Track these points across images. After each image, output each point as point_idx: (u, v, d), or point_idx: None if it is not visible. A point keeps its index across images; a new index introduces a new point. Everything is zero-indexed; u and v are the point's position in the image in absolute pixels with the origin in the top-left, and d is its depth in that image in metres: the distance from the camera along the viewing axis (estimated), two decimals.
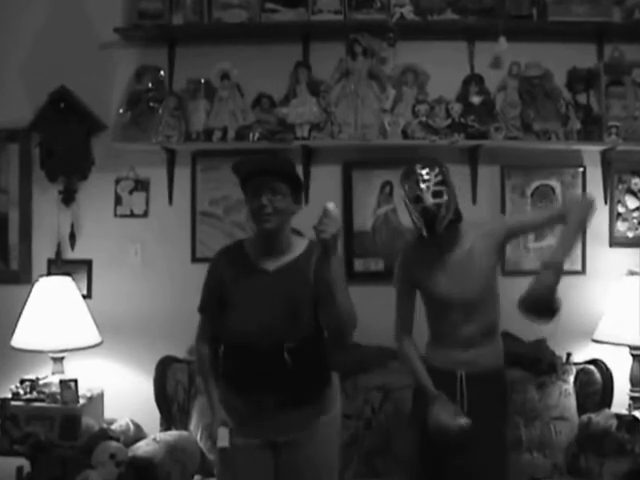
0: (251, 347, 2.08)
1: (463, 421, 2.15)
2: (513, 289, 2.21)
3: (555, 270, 2.15)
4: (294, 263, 2.15)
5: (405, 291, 2.38)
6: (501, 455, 2.31)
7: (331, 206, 1.95)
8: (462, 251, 2.28)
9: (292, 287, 2.11)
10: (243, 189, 2.17)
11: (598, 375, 2.98)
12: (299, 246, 2.18)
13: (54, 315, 2.95)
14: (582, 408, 2.93)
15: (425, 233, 2.22)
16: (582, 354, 3.08)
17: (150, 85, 3.17)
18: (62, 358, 3.01)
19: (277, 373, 2.06)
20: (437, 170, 2.21)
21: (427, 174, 2.19)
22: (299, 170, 2.61)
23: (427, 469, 2.31)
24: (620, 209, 3.20)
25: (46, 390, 2.91)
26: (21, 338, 2.96)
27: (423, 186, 2.18)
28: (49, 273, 3.19)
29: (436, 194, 2.18)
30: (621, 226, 3.19)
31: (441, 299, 2.29)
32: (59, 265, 3.22)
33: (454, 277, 2.26)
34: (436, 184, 2.19)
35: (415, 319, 2.40)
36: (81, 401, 2.89)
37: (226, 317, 2.14)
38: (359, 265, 3.18)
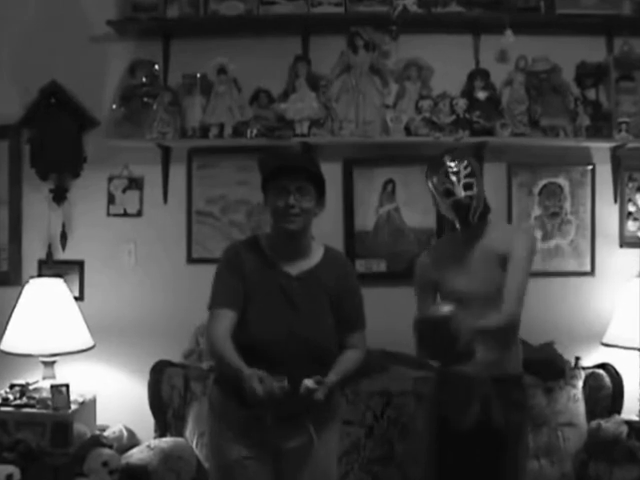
0: (275, 354, 2.00)
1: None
2: None
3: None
4: (315, 270, 2.12)
5: (424, 298, 2.34)
6: None
7: (309, 383, 1.93)
8: (487, 243, 2.26)
9: (316, 295, 2.09)
10: (264, 186, 2.10)
11: (608, 380, 2.93)
12: (317, 251, 2.16)
13: (45, 318, 2.91)
14: (591, 414, 2.88)
15: (458, 226, 2.21)
16: (591, 358, 3.05)
17: (144, 80, 3.14)
18: (53, 362, 2.97)
19: (296, 383, 1.95)
20: (466, 162, 2.21)
21: (456, 166, 2.20)
22: None
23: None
24: (630, 208, 3.16)
25: (36, 395, 2.87)
26: (11, 342, 2.92)
27: (454, 179, 2.19)
28: (40, 274, 3.16)
29: (467, 186, 2.19)
30: (631, 226, 3.15)
31: (461, 295, 2.22)
32: (50, 266, 3.18)
33: (476, 271, 2.23)
34: (466, 176, 2.20)
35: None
36: (73, 407, 2.85)
37: (248, 319, 2.05)
38: (360, 266, 3.12)
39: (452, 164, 2.19)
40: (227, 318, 2.05)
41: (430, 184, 2.26)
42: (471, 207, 2.18)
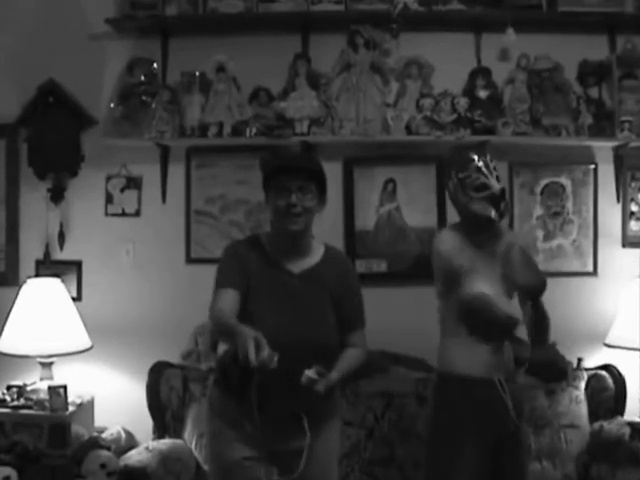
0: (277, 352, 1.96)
1: None
2: None
3: None
4: (316, 268, 2.12)
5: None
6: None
7: (310, 374, 1.94)
8: (504, 245, 2.26)
9: (318, 293, 2.09)
10: (265, 185, 2.10)
11: (610, 381, 2.92)
12: (317, 250, 2.16)
13: (42, 318, 2.90)
14: (594, 415, 2.87)
15: (494, 216, 2.21)
16: (594, 359, 3.04)
17: (143, 78, 3.12)
18: (51, 363, 2.95)
19: (298, 381, 1.94)
20: (489, 156, 2.25)
21: (484, 160, 2.23)
22: None
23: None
24: (633, 208, 3.14)
25: (34, 397, 2.85)
26: (8, 342, 2.90)
27: (486, 171, 2.21)
28: (37, 274, 3.15)
29: (497, 179, 2.23)
30: (634, 225, 3.14)
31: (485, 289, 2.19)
32: (47, 266, 3.17)
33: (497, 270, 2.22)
34: (494, 169, 2.24)
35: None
36: (70, 408, 2.83)
37: (250, 316, 2.01)
38: (360, 266, 3.09)
39: (479, 158, 2.22)
40: (231, 296, 2.02)
41: (455, 180, 2.24)
42: (505, 199, 2.22)
